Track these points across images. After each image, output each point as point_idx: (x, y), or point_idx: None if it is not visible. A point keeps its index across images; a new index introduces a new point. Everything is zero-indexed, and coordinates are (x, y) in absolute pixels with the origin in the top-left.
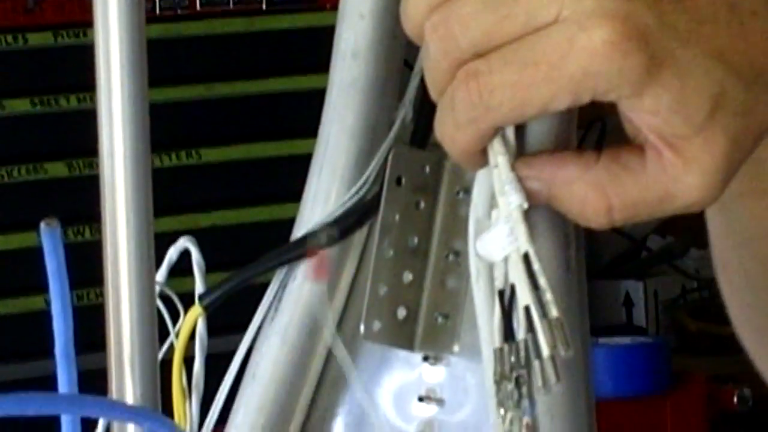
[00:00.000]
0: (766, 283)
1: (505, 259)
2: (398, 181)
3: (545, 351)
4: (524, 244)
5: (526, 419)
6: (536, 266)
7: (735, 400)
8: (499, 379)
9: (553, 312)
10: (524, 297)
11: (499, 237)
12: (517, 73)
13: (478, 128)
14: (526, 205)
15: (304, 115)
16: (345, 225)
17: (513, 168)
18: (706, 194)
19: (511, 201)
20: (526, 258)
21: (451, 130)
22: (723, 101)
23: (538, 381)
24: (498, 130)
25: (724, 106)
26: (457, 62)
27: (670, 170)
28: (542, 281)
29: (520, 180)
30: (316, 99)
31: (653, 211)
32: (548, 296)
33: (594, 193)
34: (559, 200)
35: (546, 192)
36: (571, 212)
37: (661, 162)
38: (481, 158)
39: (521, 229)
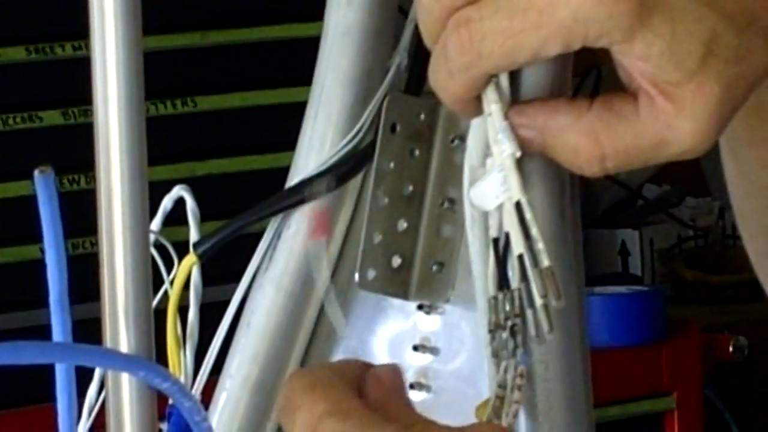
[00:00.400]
0: None
1: (499, 208)
2: (393, 129)
3: (537, 300)
4: (516, 193)
5: (521, 368)
6: (528, 215)
7: (731, 349)
8: (494, 328)
9: (545, 261)
10: (517, 246)
11: (492, 185)
12: (508, 19)
13: (470, 75)
14: (518, 154)
15: (301, 62)
16: (339, 173)
17: (506, 116)
18: (700, 141)
19: (504, 149)
20: (518, 207)
21: (444, 78)
22: (715, 47)
23: (531, 330)
24: (491, 78)
25: (717, 53)
26: (449, 9)
27: (662, 117)
28: (534, 231)
29: (513, 128)
30: (312, 46)
31: (647, 158)
32: (540, 245)
33: (586, 140)
34: (552, 148)
35: (539, 140)
36: (564, 160)
37: (653, 109)
38: (475, 106)
39: (514, 178)
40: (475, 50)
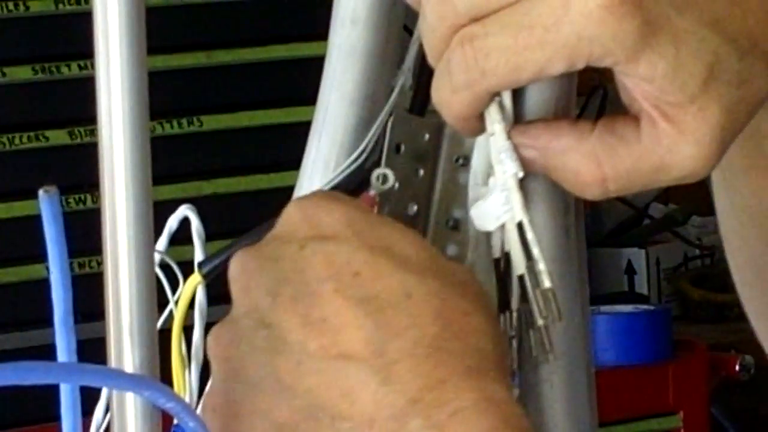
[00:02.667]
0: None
1: (501, 228)
2: (397, 149)
3: (538, 321)
4: (519, 213)
5: (516, 390)
6: (530, 235)
7: (737, 367)
8: None
9: (546, 282)
10: (518, 266)
11: (494, 205)
12: (512, 36)
13: (473, 92)
14: (521, 174)
15: (304, 82)
16: (344, 192)
17: (509, 136)
18: (701, 165)
19: (507, 169)
20: (520, 227)
21: (448, 95)
22: (718, 70)
23: (533, 350)
24: (495, 96)
25: (719, 76)
26: (454, 27)
27: (664, 140)
28: (536, 251)
29: (516, 148)
30: (316, 66)
31: (648, 182)
32: (541, 266)
33: (588, 163)
34: (553, 170)
35: (541, 161)
36: (565, 182)
37: (655, 132)
38: (477, 124)
39: (516, 198)
40: (478, 67)
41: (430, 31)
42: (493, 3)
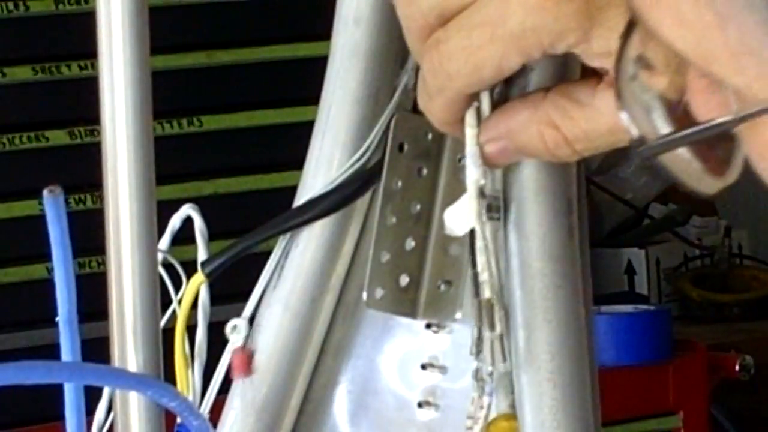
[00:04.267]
0: None
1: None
2: (400, 148)
3: (474, 332)
4: (471, 220)
5: (486, 399)
6: (479, 244)
7: (737, 367)
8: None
9: (485, 293)
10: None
11: (462, 211)
12: (467, 37)
13: (446, 97)
14: (482, 181)
15: (306, 82)
16: (347, 192)
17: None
18: None
19: (469, 175)
20: (471, 234)
21: (426, 101)
22: None
23: (488, 360)
24: (472, 101)
25: None
26: (422, 27)
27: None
28: (480, 260)
29: (484, 146)
30: (319, 66)
31: (609, 142)
32: (483, 276)
33: (547, 129)
34: (523, 147)
35: (510, 145)
36: (538, 153)
37: (609, 94)
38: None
39: (472, 205)
40: (444, 71)
41: (406, 33)
42: (452, 1)
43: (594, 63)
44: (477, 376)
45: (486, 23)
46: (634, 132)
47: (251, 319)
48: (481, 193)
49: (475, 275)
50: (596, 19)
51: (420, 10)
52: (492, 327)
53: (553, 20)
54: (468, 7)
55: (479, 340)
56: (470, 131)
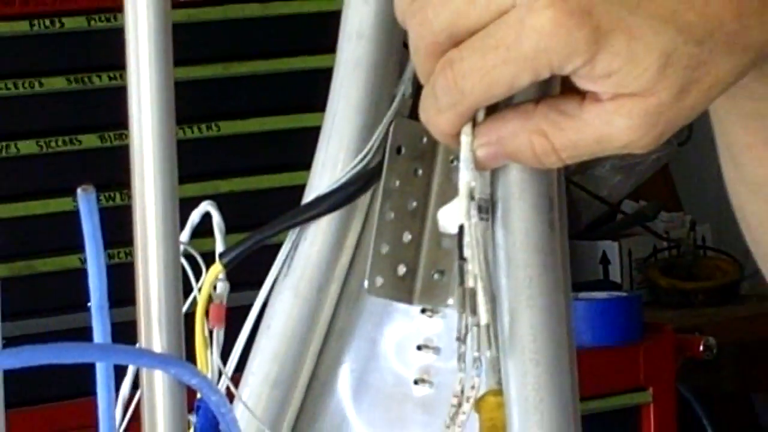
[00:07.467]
0: None
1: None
2: (398, 151)
3: (459, 317)
4: (461, 218)
5: (476, 380)
6: (466, 239)
7: (701, 348)
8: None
9: (469, 282)
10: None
11: (454, 210)
12: (482, 58)
13: (456, 112)
14: (473, 183)
15: (314, 91)
16: (350, 190)
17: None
18: (638, 136)
19: (461, 177)
20: (460, 230)
21: (434, 115)
22: (673, 58)
23: (474, 346)
24: (475, 114)
25: (674, 63)
26: (434, 46)
27: (603, 115)
28: (467, 253)
29: (477, 151)
30: (324, 77)
31: (595, 150)
32: (469, 267)
33: (537, 137)
34: (513, 153)
35: (501, 151)
36: (525, 160)
37: (596, 107)
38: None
39: (463, 205)
40: (458, 89)
41: (415, 50)
42: (464, 22)
43: (591, 85)
44: (461, 358)
45: (501, 45)
46: None
47: (264, 305)
48: (471, 194)
49: (461, 267)
50: (601, 44)
51: (431, 30)
52: (474, 312)
53: (564, 45)
54: (480, 30)
55: (463, 326)
56: (465, 139)
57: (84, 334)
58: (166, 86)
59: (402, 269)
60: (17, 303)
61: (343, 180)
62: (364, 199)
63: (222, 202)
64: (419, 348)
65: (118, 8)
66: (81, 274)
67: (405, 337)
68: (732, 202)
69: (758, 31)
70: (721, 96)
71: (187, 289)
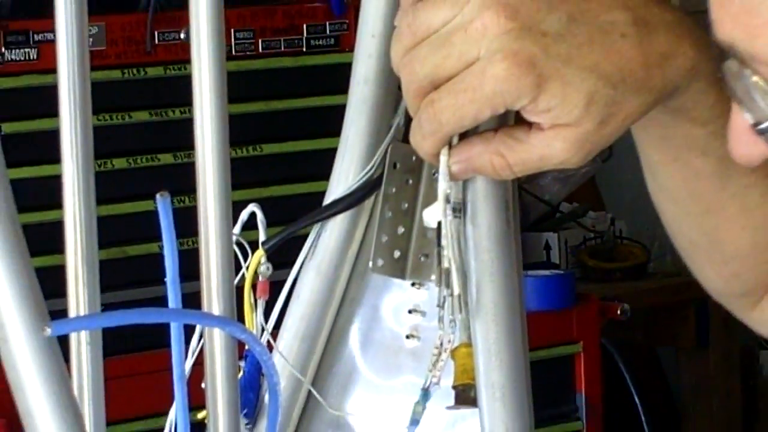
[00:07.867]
0: (689, 225)
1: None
2: (395, 166)
3: (444, 291)
4: (440, 216)
5: (451, 336)
6: (444, 232)
7: (619, 312)
8: (439, 305)
9: (445, 263)
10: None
11: (434, 210)
12: (455, 98)
13: (436, 137)
14: (449, 191)
15: (332, 121)
16: (359, 195)
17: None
18: (570, 155)
19: (439, 186)
20: (439, 225)
21: (420, 140)
22: (595, 98)
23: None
24: (450, 139)
25: (597, 100)
26: (419, 89)
27: (545, 140)
28: (444, 242)
29: (452, 167)
30: (340, 111)
31: (540, 166)
32: (445, 252)
33: (496, 157)
34: (478, 169)
35: (469, 166)
36: (488, 173)
37: (540, 134)
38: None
39: (441, 206)
40: (438, 121)
41: (405, 92)
42: (442, 71)
43: (535, 117)
44: (441, 320)
45: (468, 89)
46: (749, 118)
47: (295, 280)
48: (448, 198)
49: (439, 252)
50: (543, 88)
51: (418, 78)
52: (449, 286)
53: (515, 88)
54: (453, 77)
55: (442, 296)
56: (443, 158)
57: (161, 302)
58: (221, 117)
59: (397, 253)
60: (112, 278)
61: (353, 187)
62: (369, 202)
63: (264, 204)
64: (410, 312)
65: (188, 60)
66: (159, 257)
67: (400, 304)
68: (654, 204)
69: (660, 78)
70: (638, 125)
71: (238, 269)
